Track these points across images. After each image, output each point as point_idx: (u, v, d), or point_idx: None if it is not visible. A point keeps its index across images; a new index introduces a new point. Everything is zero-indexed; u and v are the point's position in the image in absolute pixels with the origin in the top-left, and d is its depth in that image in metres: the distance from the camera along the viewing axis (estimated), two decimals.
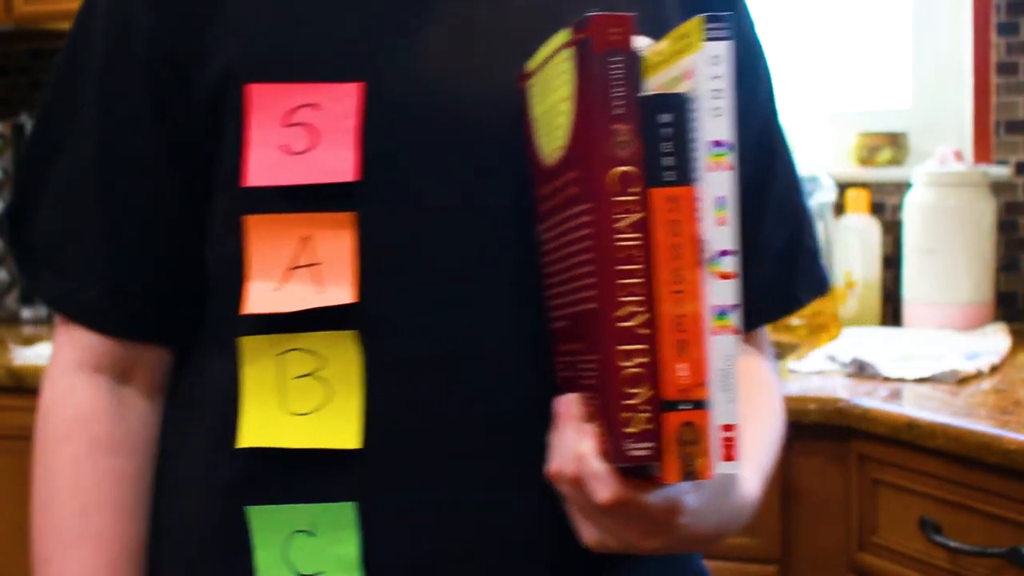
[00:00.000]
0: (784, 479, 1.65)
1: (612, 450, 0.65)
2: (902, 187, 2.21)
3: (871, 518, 1.58)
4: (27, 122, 2.57)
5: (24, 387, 2.03)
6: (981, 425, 1.41)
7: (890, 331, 2.06)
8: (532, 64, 0.74)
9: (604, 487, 0.65)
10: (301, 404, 0.75)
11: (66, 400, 0.83)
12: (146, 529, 0.84)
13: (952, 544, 1.42)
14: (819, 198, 2.16)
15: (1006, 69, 2.17)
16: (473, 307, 0.76)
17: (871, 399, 1.58)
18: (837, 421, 1.60)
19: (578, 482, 0.67)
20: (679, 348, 0.64)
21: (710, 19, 0.63)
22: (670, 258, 0.65)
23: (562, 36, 0.68)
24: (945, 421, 1.45)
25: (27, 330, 2.46)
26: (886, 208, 2.24)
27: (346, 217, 0.74)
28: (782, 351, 2.09)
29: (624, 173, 0.65)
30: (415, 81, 0.75)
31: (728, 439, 0.65)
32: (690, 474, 0.64)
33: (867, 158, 2.26)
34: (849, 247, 2.19)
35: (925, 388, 1.65)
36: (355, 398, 0.75)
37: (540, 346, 0.75)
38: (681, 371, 0.64)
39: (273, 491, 0.77)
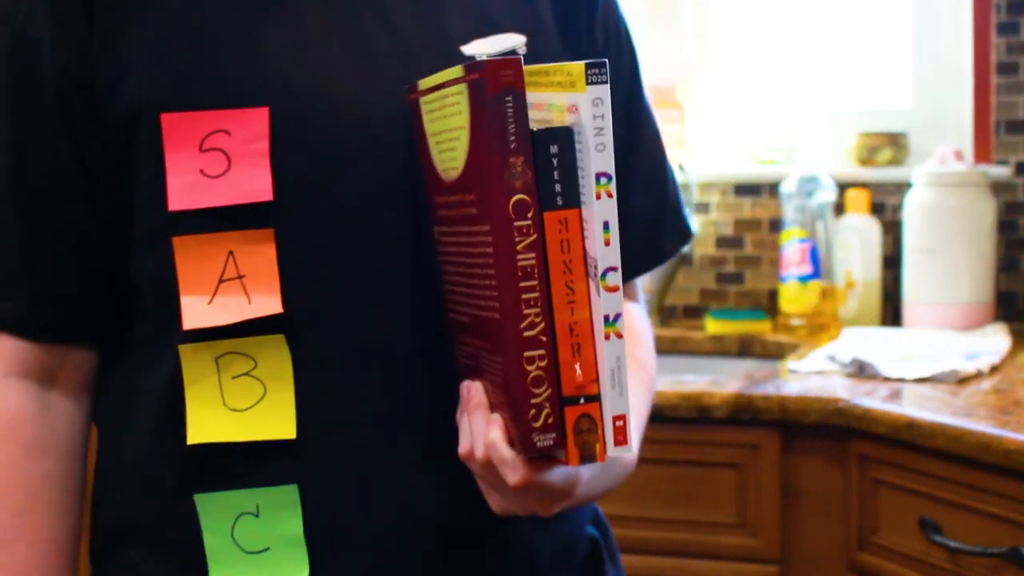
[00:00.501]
0: (784, 479, 1.65)
1: (520, 442, 0.74)
2: (902, 187, 2.21)
3: (871, 518, 1.58)
4: None
5: None
6: (981, 425, 1.41)
7: (890, 331, 2.07)
8: (424, 84, 0.80)
9: (513, 472, 0.75)
10: (239, 401, 0.83)
11: None
12: (78, 527, 0.90)
13: (952, 544, 1.42)
14: (819, 198, 2.17)
15: (1006, 69, 2.17)
16: (381, 306, 0.84)
17: (871, 399, 1.58)
18: (837, 421, 1.60)
19: (488, 465, 0.76)
20: (574, 350, 0.74)
21: (592, 65, 0.71)
22: (562, 272, 0.74)
23: (455, 71, 0.75)
24: (945, 421, 1.45)
25: None
26: (886, 208, 2.24)
27: (265, 233, 0.81)
28: (782, 351, 2.09)
29: (520, 200, 0.73)
30: (315, 102, 0.82)
31: (619, 427, 0.74)
32: (587, 458, 0.74)
33: (867, 158, 2.26)
34: (849, 247, 2.19)
35: (925, 388, 1.65)
36: (287, 393, 0.83)
37: (437, 335, 0.84)
38: (576, 371, 0.74)
39: (218, 480, 0.83)
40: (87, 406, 0.90)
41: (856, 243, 2.19)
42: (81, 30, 0.82)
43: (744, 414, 1.64)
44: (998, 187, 2.15)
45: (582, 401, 0.74)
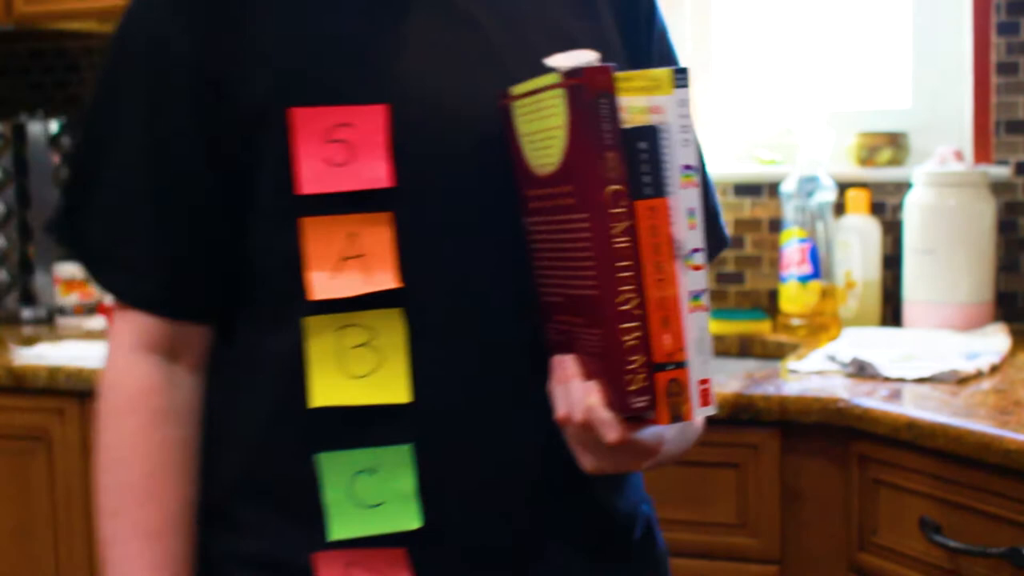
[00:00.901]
0: (784, 479, 1.65)
1: (618, 403, 0.84)
2: (902, 187, 2.21)
3: (871, 518, 1.58)
4: (27, 122, 2.57)
5: (24, 387, 2.03)
6: (981, 425, 1.41)
7: (890, 331, 2.07)
8: (516, 90, 0.91)
9: (612, 431, 0.85)
10: (358, 368, 0.92)
11: (127, 377, 0.97)
12: (197, 490, 0.99)
13: (952, 544, 1.42)
14: (819, 198, 2.17)
15: (1006, 69, 2.17)
16: (484, 283, 0.94)
17: (871, 399, 1.58)
18: (837, 421, 1.60)
19: (588, 427, 0.86)
20: (663, 323, 0.84)
21: (677, 71, 0.83)
22: (652, 254, 0.84)
23: (552, 78, 0.85)
24: (945, 421, 1.45)
25: (27, 330, 2.46)
26: (886, 208, 2.24)
27: (384, 216, 0.91)
28: (782, 351, 2.09)
29: (614, 190, 0.84)
30: (427, 102, 0.92)
31: (704, 390, 0.85)
32: (676, 418, 0.84)
33: (867, 158, 2.26)
34: (849, 247, 2.19)
35: (925, 388, 1.65)
36: (402, 361, 0.92)
37: (531, 311, 0.94)
38: (666, 340, 0.84)
39: (337, 441, 0.92)
40: (203, 380, 0.99)
41: (856, 243, 2.19)
42: (210, 30, 0.92)
43: (744, 414, 1.64)
44: (998, 187, 2.15)
45: (671, 367, 0.84)
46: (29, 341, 2.28)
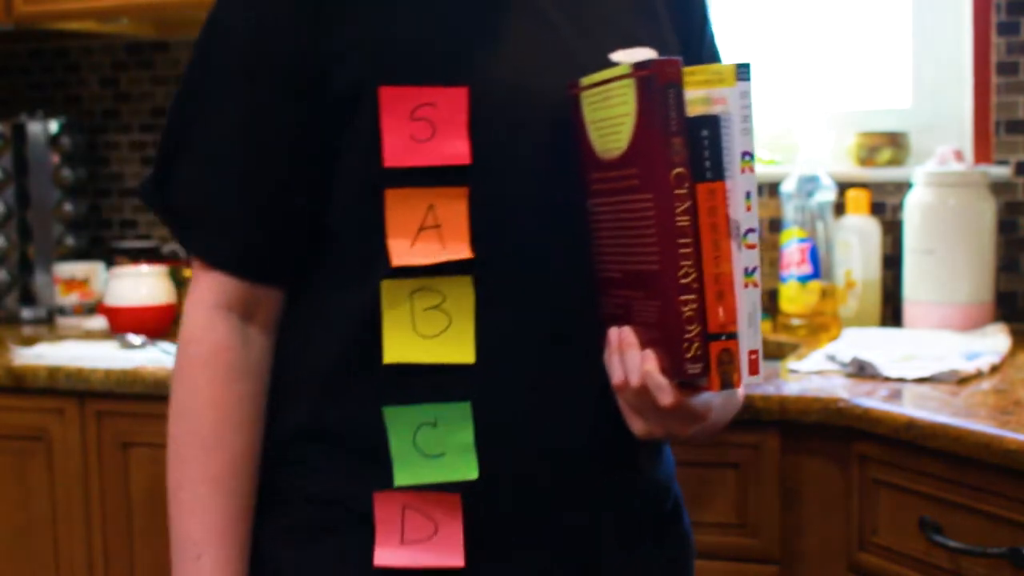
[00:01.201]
0: (784, 479, 1.65)
1: (673, 369, 0.92)
2: (902, 187, 2.21)
3: (871, 518, 1.58)
4: (27, 122, 2.57)
5: (24, 387, 2.03)
6: (981, 425, 1.41)
7: (890, 331, 2.07)
8: (585, 81, 0.98)
9: (666, 395, 0.93)
10: (428, 329, 1.00)
11: (206, 332, 1.03)
12: (260, 438, 1.06)
13: (952, 544, 1.42)
14: (819, 198, 2.17)
15: (1006, 69, 2.17)
16: (550, 255, 1.01)
17: (871, 399, 1.58)
18: (837, 421, 1.60)
19: (643, 391, 0.94)
20: (718, 297, 0.91)
21: (740, 66, 0.92)
22: (710, 232, 0.91)
23: (622, 68, 0.93)
24: (945, 421, 1.45)
25: (27, 330, 2.46)
26: (886, 208, 2.24)
27: (461, 191, 0.98)
28: (782, 351, 2.09)
29: (679, 172, 0.91)
30: (506, 87, 0.99)
31: (753, 360, 0.93)
32: (727, 385, 0.91)
33: (867, 158, 2.26)
34: (849, 247, 2.19)
35: (925, 388, 1.65)
36: (469, 325, 0.99)
37: (591, 283, 1.01)
38: (720, 313, 0.91)
39: (404, 395, 1.00)
40: (274, 340, 1.06)
41: (856, 243, 2.19)
42: (309, 10, 0.98)
43: (744, 414, 1.64)
44: (998, 187, 2.15)
45: (724, 338, 0.91)
46: (29, 341, 2.28)
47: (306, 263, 1.04)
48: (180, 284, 2.41)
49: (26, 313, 2.58)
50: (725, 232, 0.91)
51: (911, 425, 1.48)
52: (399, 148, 0.97)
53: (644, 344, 0.95)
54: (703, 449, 1.68)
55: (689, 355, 0.91)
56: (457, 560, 1.01)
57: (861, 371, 1.74)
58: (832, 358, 1.81)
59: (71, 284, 2.52)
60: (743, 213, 0.92)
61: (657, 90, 0.90)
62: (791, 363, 1.84)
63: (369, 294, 1.00)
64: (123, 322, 2.26)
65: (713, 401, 0.98)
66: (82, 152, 2.69)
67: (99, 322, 2.45)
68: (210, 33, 1.03)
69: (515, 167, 1.00)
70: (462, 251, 0.99)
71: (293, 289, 1.06)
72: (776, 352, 2.11)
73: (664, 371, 0.93)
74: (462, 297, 0.99)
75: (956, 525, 1.44)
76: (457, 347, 0.99)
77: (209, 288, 1.04)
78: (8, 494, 2.07)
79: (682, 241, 0.91)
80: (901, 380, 1.70)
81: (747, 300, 0.92)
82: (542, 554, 1.04)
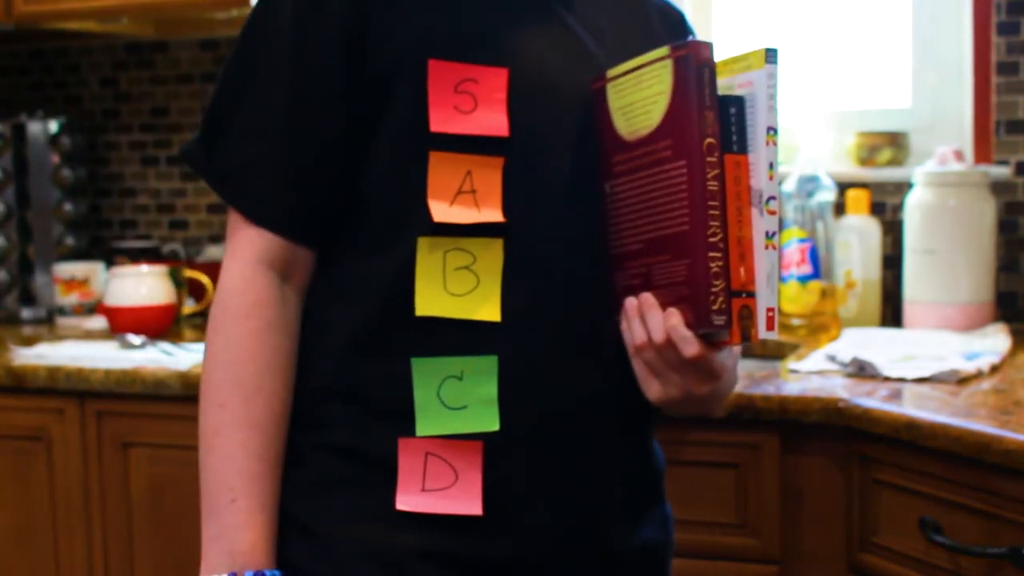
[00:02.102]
0: (784, 479, 1.65)
1: (698, 321, 1.02)
2: (902, 187, 2.21)
3: (871, 518, 1.58)
4: (27, 122, 2.57)
5: (24, 387, 2.03)
6: (981, 425, 1.41)
7: (890, 331, 2.07)
8: (612, 72, 1.09)
9: (691, 347, 1.03)
10: (458, 288, 1.06)
11: (247, 286, 1.09)
12: (291, 393, 1.10)
13: (952, 544, 1.42)
14: (819, 198, 2.17)
15: (1006, 69, 2.17)
16: (572, 225, 1.10)
17: (871, 399, 1.58)
18: (837, 421, 1.60)
19: (666, 347, 1.04)
20: (740, 257, 1.02)
21: (769, 50, 1.03)
22: (735, 199, 1.02)
23: (659, 52, 1.04)
24: (945, 421, 1.45)
25: (27, 330, 2.46)
26: (886, 208, 2.24)
27: (497, 160, 1.07)
28: (782, 351, 2.09)
29: (710, 142, 1.02)
30: (541, 72, 1.09)
31: (769, 317, 1.03)
32: (746, 337, 1.02)
33: (867, 158, 2.26)
34: (849, 247, 2.19)
35: (925, 388, 1.65)
36: (496, 285, 1.06)
37: (604, 257, 1.11)
38: (741, 272, 1.02)
39: (432, 348, 1.06)
40: (303, 301, 1.12)
41: (856, 243, 2.19)
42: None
43: (744, 414, 1.64)
44: (998, 187, 2.15)
45: (744, 295, 1.02)
46: (29, 341, 2.28)
47: (337, 228, 1.10)
48: (180, 284, 2.41)
49: (26, 313, 2.58)
50: (747, 200, 1.02)
51: (911, 425, 1.48)
52: (444, 116, 1.05)
53: (665, 305, 1.04)
54: (703, 449, 1.68)
55: (716, 307, 1.01)
56: (475, 508, 1.05)
57: (861, 371, 1.74)
58: (832, 358, 1.81)
59: (71, 284, 2.52)
60: (766, 182, 1.02)
61: (692, 68, 1.01)
62: (791, 363, 1.84)
63: (400, 256, 1.06)
64: (123, 322, 2.26)
65: (727, 363, 1.08)
66: (82, 152, 2.69)
67: (99, 322, 2.45)
68: (264, 7, 1.09)
69: (546, 146, 1.09)
70: (495, 215, 1.06)
71: (320, 256, 1.11)
72: (776, 352, 2.11)
73: (688, 326, 1.02)
74: (492, 259, 1.06)
75: (956, 525, 1.44)
76: (484, 305, 1.06)
77: (251, 245, 1.09)
78: (8, 494, 2.07)
79: (712, 203, 1.01)
80: (901, 380, 1.70)
81: (766, 261, 1.02)
82: (554, 511, 1.09)
